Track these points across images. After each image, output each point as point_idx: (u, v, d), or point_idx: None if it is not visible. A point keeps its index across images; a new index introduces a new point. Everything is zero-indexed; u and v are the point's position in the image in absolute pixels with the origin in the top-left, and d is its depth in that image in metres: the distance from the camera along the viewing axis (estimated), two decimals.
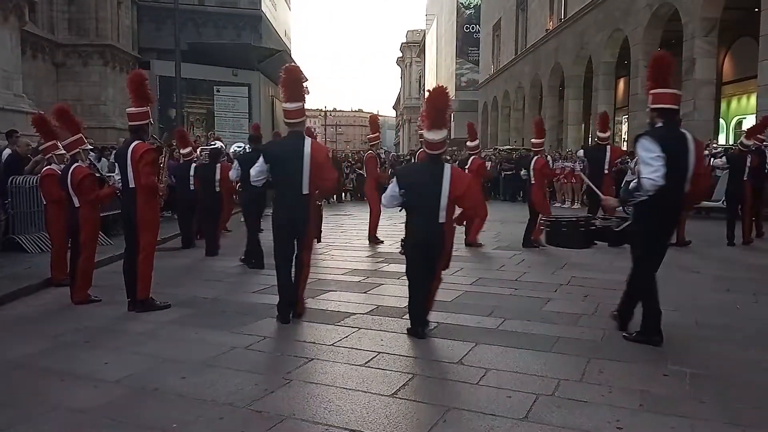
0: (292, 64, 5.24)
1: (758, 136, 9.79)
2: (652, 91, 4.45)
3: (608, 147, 9.73)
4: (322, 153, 5.14)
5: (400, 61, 79.61)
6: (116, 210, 7.87)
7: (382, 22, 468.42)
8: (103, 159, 11.51)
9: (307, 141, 5.04)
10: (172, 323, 5.15)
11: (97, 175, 6.38)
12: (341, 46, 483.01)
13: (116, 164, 5.73)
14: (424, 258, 4.66)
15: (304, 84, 5.23)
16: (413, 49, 72.92)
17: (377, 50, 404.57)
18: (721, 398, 3.42)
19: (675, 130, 4.38)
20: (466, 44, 46.65)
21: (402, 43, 75.88)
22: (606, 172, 9.51)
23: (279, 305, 5.15)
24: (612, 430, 3.05)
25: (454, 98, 46.39)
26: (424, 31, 65.82)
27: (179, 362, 4.13)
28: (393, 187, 4.74)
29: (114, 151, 8.31)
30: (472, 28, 45.93)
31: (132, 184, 5.44)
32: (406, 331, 4.76)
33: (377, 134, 10.39)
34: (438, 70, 56.45)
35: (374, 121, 10.72)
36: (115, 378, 3.85)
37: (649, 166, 4.16)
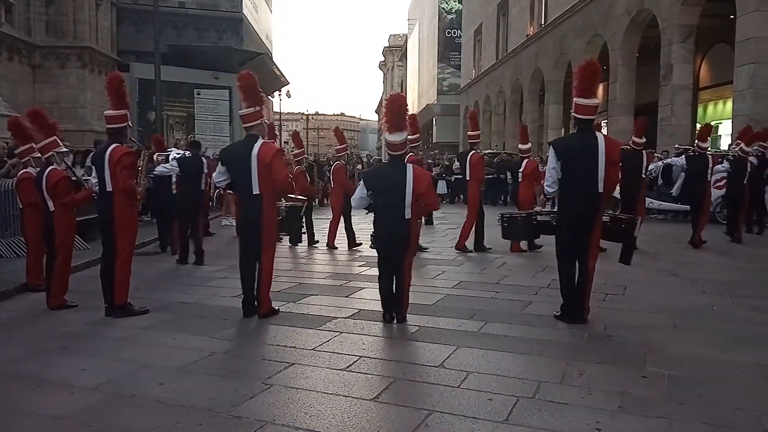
0: (247, 70, 5.44)
1: (761, 143, 10.03)
2: (574, 100, 5.01)
3: (644, 153, 9.81)
4: (269, 153, 5.18)
5: (382, 65, 79.87)
6: (93, 214, 7.80)
7: (365, 26, 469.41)
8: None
9: (258, 143, 5.21)
10: (150, 328, 5.08)
11: (73, 178, 6.27)
12: (323, 49, 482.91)
13: (93, 167, 5.65)
14: (393, 253, 5.07)
15: (260, 88, 5.53)
16: (395, 53, 73.19)
17: (359, 54, 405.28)
18: (699, 399, 3.45)
19: (586, 136, 4.98)
20: (448, 49, 46.92)
21: (384, 47, 76.17)
22: (643, 176, 9.71)
23: (242, 302, 5.40)
24: (591, 431, 3.06)
25: (435, 102, 46.55)
26: (406, 35, 66.05)
27: (157, 368, 4.07)
28: (361, 189, 5.18)
29: (91, 154, 8.25)
30: (454, 32, 46.21)
31: (109, 188, 5.37)
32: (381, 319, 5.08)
33: (344, 145, 10.45)
34: (420, 74, 56.67)
35: (339, 132, 10.70)
36: (92, 384, 3.78)
37: (546, 177, 5.14)
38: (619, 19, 18.91)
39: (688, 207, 13.02)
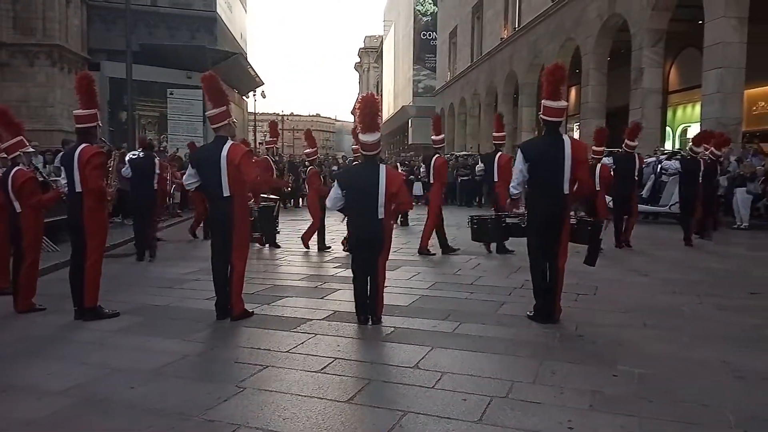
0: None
1: (713, 150, 10.22)
2: (542, 102, 5.12)
3: (637, 155, 10.08)
4: (237, 154, 5.15)
5: (358, 66, 79.84)
6: (62, 215, 7.68)
7: (340, 27, 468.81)
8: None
9: (227, 144, 5.19)
10: (121, 332, 5.00)
11: (40, 179, 6.14)
12: (299, 50, 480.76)
13: (62, 168, 5.54)
14: (367, 253, 5.09)
15: (225, 89, 5.52)
16: (371, 54, 73.26)
17: (335, 55, 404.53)
18: (668, 397, 3.52)
19: (552, 138, 5.09)
20: (423, 51, 47.09)
21: (360, 49, 76.18)
22: (636, 178, 10.04)
23: (215, 304, 5.38)
24: (564, 430, 3.10)
25: (411, 104, 46.64)
26: (382, 36, 66.13)
27: (128, 372, 4.00)
28: (335, 190, 5.22)
29: (60, 154, 8.13)
30: (429, 35, 46.41)
31: (79, 189, 5.27)
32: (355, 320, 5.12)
33: (315, 149, 10.26)
34: (395, 75, 56.76)
35: (310, 135, 10.55)
36: (61, 389, 3.71)
37: (513, 178, 5.26)
38: (591, 24, 19.20)
39: (658, 208, 13.36)
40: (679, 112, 21.90)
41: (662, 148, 17.02)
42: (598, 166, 9.25)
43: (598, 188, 9.09)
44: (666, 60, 18.40)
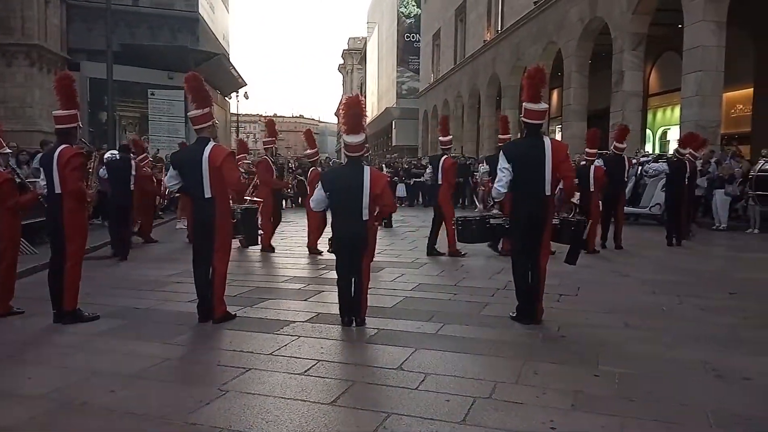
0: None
1: (692, 152, 10.39)
2: (524, 105, 5.17)
3: (626, 157, 10.27)
4: (220, 156, 5.13)
5: (341, 68, 79.76)
6: (41, 217, 7.58)
7: (324, 29, 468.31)
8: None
9: (209, 146, 5.15)
10: (101, 335, 4.93)
11: (18, 180, 6.04)
12: (282, 51, 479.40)
13: (41, 169, 5.46)
14: (351, 254, 5.08)
15: (208, 89, 5.49)
16: (354, 56, 73.23)
17: (319, 56, 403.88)
18: (649, 397, 3.55)
19: (534, 140, 5.13)
20: (407, 53, 47.18)
21: (343, 50, 76.09)
22: (625, 179, 10.33)
23: (197, 307, 5.34)
24: (546, 430, 3.12)
25: (395, 106, 46.63)
26: (366, 38, 66.15)
27: (109, 375, 3.95)
28: (319, 191, 5.20)
29: (39, 155, 8.03)
30: (413, 37, 46.51)
31: (58, 190, 5.19)
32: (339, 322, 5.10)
33: (315, 150, 10.12)
34: (379, 77, 56.82)
35: (310, 136, 10.35)
36: (40, 393, 3.65)
37: (497, 178, 5.17)
38: (573, 27, 19.38)
39: (638, 210, 13.52)
40: (659, 114, 22.19)
41: (643, 151, 17.23)
42: (592, 167, 9.41)
43: (592, 189, 9.27)
44: (646, 63, 18.64)
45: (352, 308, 5.14)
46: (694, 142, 10.57)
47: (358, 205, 4.98)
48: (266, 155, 10.30)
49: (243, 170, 10.50)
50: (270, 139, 10.52)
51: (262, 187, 9.72)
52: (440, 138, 9.57)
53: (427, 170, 10.04)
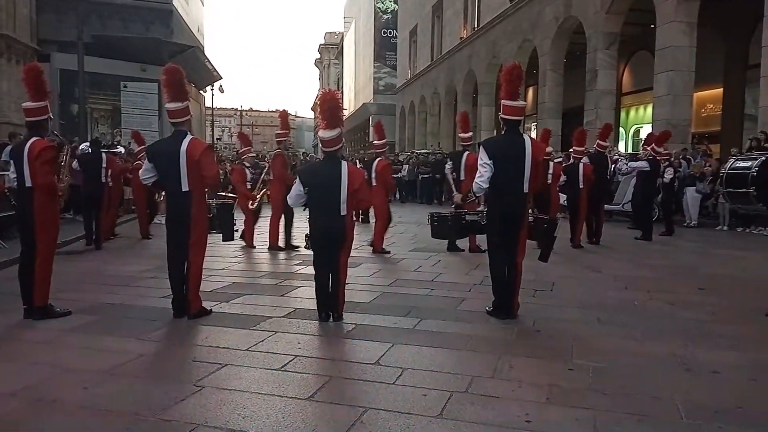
0: (173, 64, 5.28)
1: (654, 147, 10.68)
2: (502, 102, 5.19)
3: (607, 155, 10.78)
4: (198, 149, 5.08)
5: (318, 63, 79.30)
6: (9, 211, 7.43)
7: (300, 23, 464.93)
8: None
9: (186, 139, 5.09)
10: (73, 331, 4.85)
11: None
12: (258, 44, 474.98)
13: (11, 162, 5.33)
14: (329, 249, 5.08)
15: (186, 83, 5.38)
16: (331, 50, 72.87)
17: (295, 50, 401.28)
18: (622, 390, 3.62)
19: (513, 137, 5.18)
20: (384, 48, 47.17)
21: (320, 45, 75.63)
22: (608, 177, 10.76)
23: (172, 302, 5.28)
24: (521, 423, 3.16)
25: (372, 102, 46.62)
26: (343, 33, 65.87)
27: (81, 372, 3.89)
28: (297, 187, 5.20)
29: (9, 148, 7.82)
30: (390, 32, 46.50)
31: (29, 183, 5.08)
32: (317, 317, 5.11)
33: (286, 131, 9.73)
34: (356, 73, 56.67)
35: (284, 116, 10.07)
36: (10, 390, 3.57)
37: (479, 173, 5.14)
38: (548, 26, 19.56)
39: (612, 207, 13.75)
40: (632, 113, 22.54)
41: (616, 149, 17.49)
42: (581, 165, 9.69)
43: (581, 186, 9.50)
44: (619, 62, 18.91)
45: (330, 303, 5.13)
46: (657, 139, 10.91)
47: (336, 200, 4.97)
48: (280, 149, 9.67)
49: (248, 164, 10.38)
50: (283, 131, 9.84)
51: (276, 183, 9.24)
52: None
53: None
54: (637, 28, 18.15)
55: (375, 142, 9.62)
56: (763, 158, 8.16)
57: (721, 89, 18.09)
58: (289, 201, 5.39)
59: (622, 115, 22.45)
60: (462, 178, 8.74)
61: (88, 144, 10.68)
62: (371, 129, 46.38)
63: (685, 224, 12.88)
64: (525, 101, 5.39)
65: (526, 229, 5.29)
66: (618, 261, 8.64)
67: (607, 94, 17.17)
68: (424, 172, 21.38)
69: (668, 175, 11.33)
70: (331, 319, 5.10)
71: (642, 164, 10.70)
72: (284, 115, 10.45)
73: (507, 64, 5.41)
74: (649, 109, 17.06)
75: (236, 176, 10.09)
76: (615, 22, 16.60)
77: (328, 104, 5.12)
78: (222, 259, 8.61)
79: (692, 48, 13.93)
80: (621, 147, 20.66)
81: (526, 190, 5.13)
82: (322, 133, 5.16)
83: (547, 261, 6.20)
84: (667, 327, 5.05)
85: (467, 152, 8.87)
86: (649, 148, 10.81)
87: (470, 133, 9.40)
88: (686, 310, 5.67)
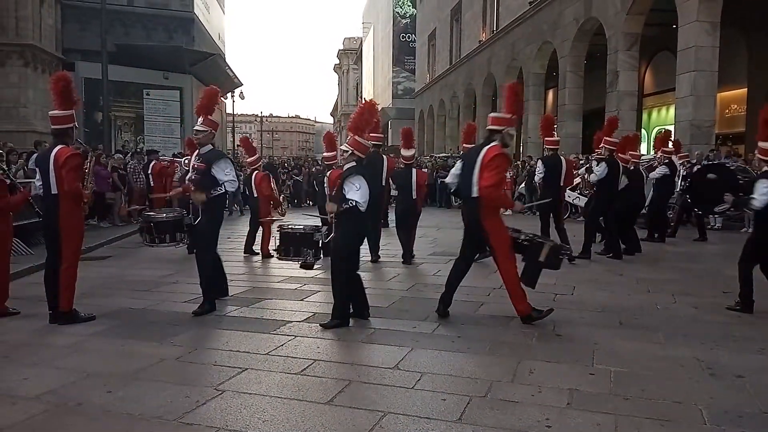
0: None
1: (664, 149, 10.60)
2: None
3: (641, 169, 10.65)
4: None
5: (337, 68, 79.58)
6: (34, 218, 7.58)
7: (319, 29, 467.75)
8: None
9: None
10: (97, 335, 4.93)
11: (7, 181, 6.00)
12: (277, 51, 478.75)
13: (37, 169, 5.45)
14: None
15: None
16: (350, 56, 73.09)
17: (314, 56, 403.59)
18: (644, 394, 3.57)
19: (483, 145, 5.32)
20: (403, 53, 47.19)
21: (339, 50, 75.92)
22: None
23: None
24: (541, 428, 3.14)
25: (390, 106, 46.60)
26: (361, 38, 66.09)
27: (105, 376, 3.95)
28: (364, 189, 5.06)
29: (35, 156, 8.02)
30: (408, 37, 46.51)
31: (55, 191, 5.19)
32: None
33: (334, 153, 8.92)
34: (375, 77, 56.80)
35: (330, 139, 9.38)
36: (35, 394, 3.65)
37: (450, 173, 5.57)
38: (568, 27, 19.42)
39: None
40: (654, 114, 22.25)
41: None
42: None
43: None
44: (641, 63, 18.69)
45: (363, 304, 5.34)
46: (667, 144, 10.87)
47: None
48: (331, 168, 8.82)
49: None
50: (331, 154, 9.05)
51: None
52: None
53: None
54: (658, 28, 17.92)
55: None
56: (699, 166, 8.22)
57: (746, 89, 17.78)
58: (360, 201, 5.03)
59: (644, 116, 22.18)
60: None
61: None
62: (389, 132, 46.53)
63: (709, 227, 12.66)
64: (511, 114, 5.42)
65: (500, 237, 5.24)
66: (640, 264, 8.52)
67: (628, 96, 16.97)
68: (443, 176, 21.32)
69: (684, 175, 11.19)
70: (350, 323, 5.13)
71: (662, 170, 10.54)
72: (330, 137, 9.56)
73: (511, 84, 5.73)
74: (672, 110, 16.83)
75: (264, 183, 9.57)
76: (636, 23, 16.41)
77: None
78: (243, 264, 8.68)
79: (715, 48, 13.71)
80: (644, 149, 20.40)
81: (474, 195, 5.12)
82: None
83: (533, 287, 5.48)
84: (690, 330, 4.98)
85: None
86: (660, 153, 10.71)
87: (473, 144, 9.24)
88: (710, 313, 5.59)
